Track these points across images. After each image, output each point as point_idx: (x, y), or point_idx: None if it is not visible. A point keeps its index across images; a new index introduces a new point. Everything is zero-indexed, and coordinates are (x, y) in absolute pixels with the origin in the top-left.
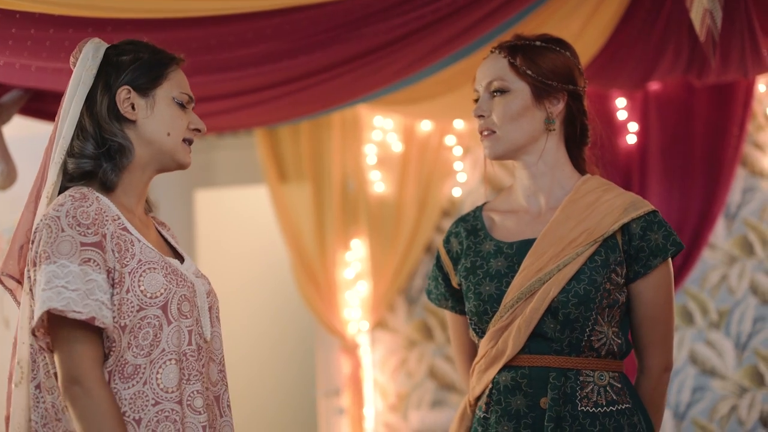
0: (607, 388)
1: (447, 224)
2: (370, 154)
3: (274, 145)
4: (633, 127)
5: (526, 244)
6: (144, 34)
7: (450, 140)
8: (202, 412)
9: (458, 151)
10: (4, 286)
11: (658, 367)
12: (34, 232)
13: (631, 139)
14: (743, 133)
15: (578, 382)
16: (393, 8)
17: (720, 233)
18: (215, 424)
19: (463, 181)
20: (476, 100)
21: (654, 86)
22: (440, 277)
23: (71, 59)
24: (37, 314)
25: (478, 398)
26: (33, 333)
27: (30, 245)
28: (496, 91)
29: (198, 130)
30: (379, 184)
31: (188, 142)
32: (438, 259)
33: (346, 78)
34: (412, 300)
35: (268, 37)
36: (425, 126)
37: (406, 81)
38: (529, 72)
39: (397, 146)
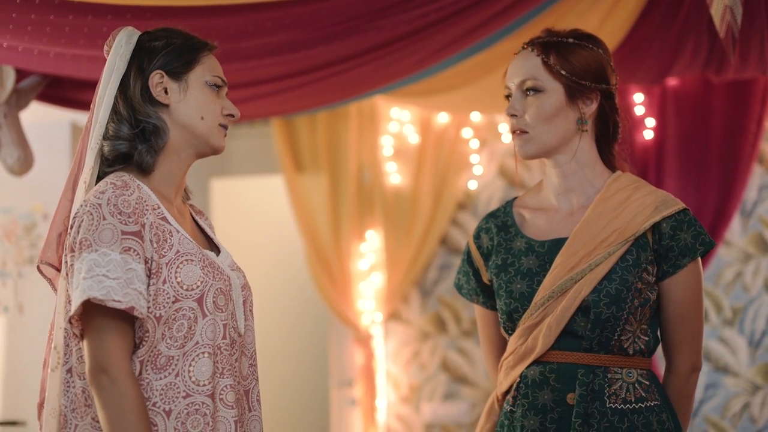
0: (636, 385)
1: (462, 217)
2: (386, 145)
3: (290, 135)
4: (650, 122)
5: (557, 243)
6: (164, 21)
7: (467, 133)
8: (234, 406)
9: (475, 143)
10: (42, 274)
11: (686, 367)
12: (74, 218)
13: (648, 135)
14: (760, 130)
15: (606, 379)
16: (412, 0)
17: (735, 230)
18: (243, 418)
19: (479, 174)
20: (507, 97)
21: (672, 82)
22: (471, 272)
23: (105, 47)
24: (76, 302)
25: (506, 393)
26: (69, 320)
27: (68, 231)
28: (529, 90)
29: (232, 116)
30: (395, 175)
31: (223, 126)
32: (468, 254)
33: (364, 69)
34: (426, 292)
35: (287, 26)
36: (442, 118)
37: (423, 73)
38: (563, 72)
39: (413, 138)
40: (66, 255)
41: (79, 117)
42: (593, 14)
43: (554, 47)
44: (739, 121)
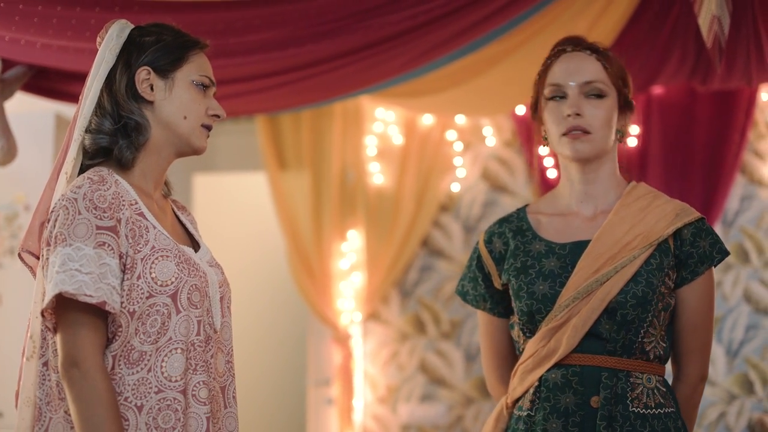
0: (655, 391)
1: (444, 219)
2: (370, 145)
3: (274, 132)
4: (634, 130)
5: (579, 246)
6: (151, 15)
7: (451, 135)
8: (207, 403)
9: (459, 146)
10: (24, 262)
11: (695, 376)
12: (51, 212)
13: (632, 142)
14: (744, 140)
15: (629, 383)
16: (402, 1)
17: None
18: (218, 415)
19: (462, 177)
20: (557, 97)
21: (657, 90)
22: (481, 278)
23: (98, 39)
24: (48, 296)
25: (518, 399)
26: (42, 314)
27: (46, 224)
28: (593, 93)
29: (217, 116)
30: (378, 176)
31: (206, 127)
32: (479, 259)
33: (351, 68)
34: (405, 293)
35: (275, 24)
36: (427, 120)
37: (410, 74)
38: (620, 81)
39: (397, 139)
40: (42, 248)
41: (64, 108)
42: (582, 19)
43: (606, 56)
44: (723, 131)
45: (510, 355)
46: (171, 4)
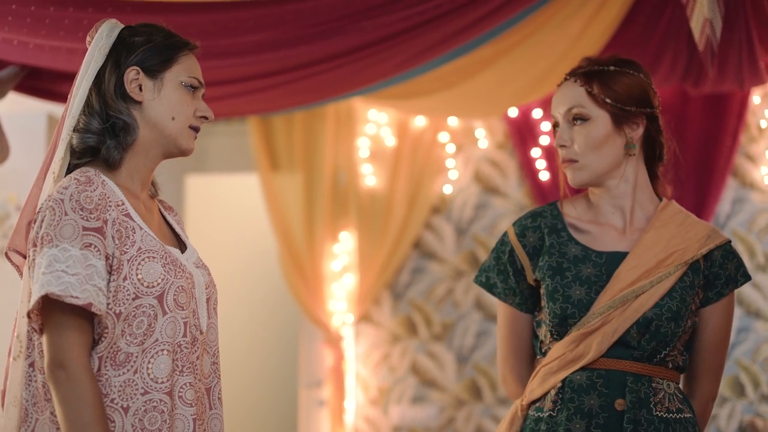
0: (674, 397)
1: (436, 221)
2: (362, 147)
3: (267, 133)
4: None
5: (615, 256)
6: (144, 16)
7: (443, 137)
8: (193, 404)
9: (451, 148)
10: (10, 261)
11: (708, 394)
12: (38, 213)
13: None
14: (735, 144)
15: (652, 388)
16: (395, 3)
17: None
18: (204, 416)
19: (454, 179)
20: (554, 127)
21: None
22: (512, 272)
23: (87, 38)
24: (35, 297)
25: (536, 401)
26: (28, 315)
27: (32, 225)
28: (575, 118)
29: (205, 118)
30: (370, 177)
31: (194, 129)
32: (511, 252)
33: (344, 70)
34: (397, 295)
35: (268, 25)
36: (419, 122)
37: (403, 76)
38: (607, 100)
39: (390, 141)
40: (29, 249)
41: (56, 108)
42: (575, 22)
43: (596, 76)
44: (715, 134)
45: (529, 352)
46: (164, 5)
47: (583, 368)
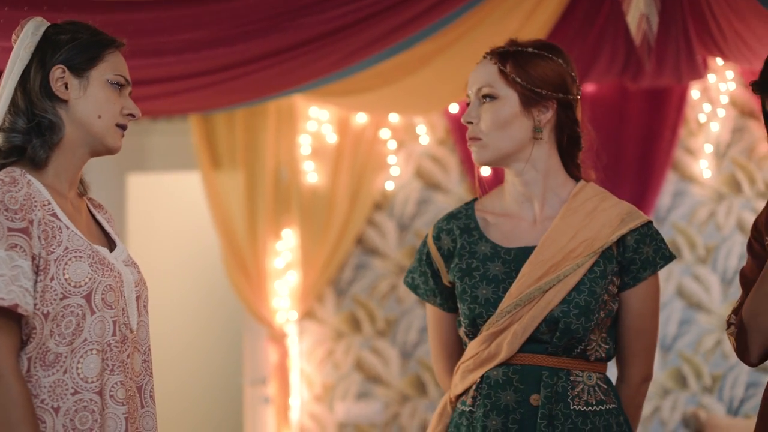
0: (596, 388)
1: (378, 217)
2: (304, 144)
3: (208, 131)
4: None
5: (524, 252)
6: (80, 15)
7: (384, 134)
8: (125, 403)
9: (392, 144)
10: None
11: (638, 377)
12: None
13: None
14: (675, 137)
15: (569, 382)
16: (331, 0)
17: None
18: (136, 414)
19: (396, 175)
20: (468, 105)
21: (588, 88)
22: (430, 273)
23: (13, 37)
24: None
25: (461, 394)
26: None
27: None
28: (485, 97)
29: (132, 116)
30: (312, 174)
31: (121, 127)
32: (428, 255)
33: (283, 67)
34: (341, 291)
35: (205, 23)
36: (360, 118)
37: (342, 73)
38: (518, 80)
39: (331, 138)
40: None
41: None
42: (512, 18)
43: (512, 56)
44: (655, 128)
45: (458, 348)
46: (100, 4)
47: (500, 364)
